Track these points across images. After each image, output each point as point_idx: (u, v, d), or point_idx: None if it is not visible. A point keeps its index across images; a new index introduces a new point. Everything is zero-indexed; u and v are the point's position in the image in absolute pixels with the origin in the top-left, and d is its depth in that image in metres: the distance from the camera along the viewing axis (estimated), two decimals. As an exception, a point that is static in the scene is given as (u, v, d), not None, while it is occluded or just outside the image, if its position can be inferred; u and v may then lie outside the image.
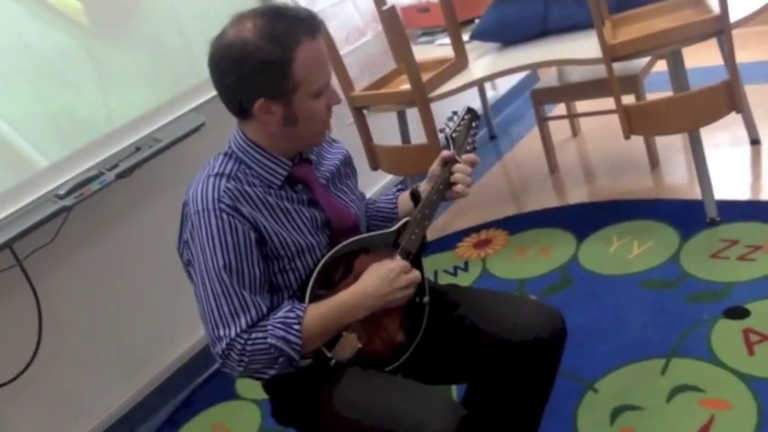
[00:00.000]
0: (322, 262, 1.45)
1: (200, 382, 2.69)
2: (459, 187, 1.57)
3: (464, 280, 2.78)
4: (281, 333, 1.35)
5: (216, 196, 1.38)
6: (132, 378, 2.55)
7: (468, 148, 1.66)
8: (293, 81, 1.36)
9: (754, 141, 3.01)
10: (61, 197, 2.08)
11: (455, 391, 2.13)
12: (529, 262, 2.76)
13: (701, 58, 3.39)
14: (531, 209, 3.15)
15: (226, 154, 1.47)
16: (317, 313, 1.40)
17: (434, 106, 2.71)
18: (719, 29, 2.29)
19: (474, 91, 3.82)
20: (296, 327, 1.36)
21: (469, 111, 1.71)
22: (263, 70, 1.34)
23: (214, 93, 1.46)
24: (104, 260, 2.47)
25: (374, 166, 3.02)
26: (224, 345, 1.35)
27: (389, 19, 2.62)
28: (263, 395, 1.59)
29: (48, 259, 2.24)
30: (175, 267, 1.55)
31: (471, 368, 1.58)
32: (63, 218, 2.16)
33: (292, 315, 1.38)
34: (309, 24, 1.37)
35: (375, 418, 1.35)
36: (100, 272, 2.46)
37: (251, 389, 2.50)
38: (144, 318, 2.58)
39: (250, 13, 1.37)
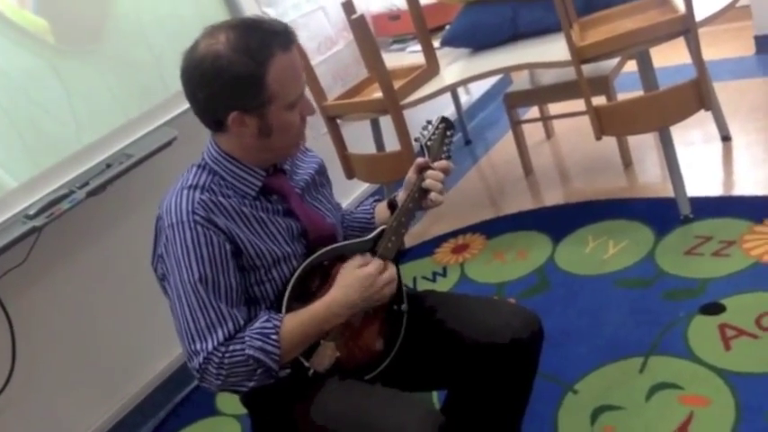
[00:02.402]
0: (298, 271, 1.45)
1: (179, 400, 2.66)
2: (433, 196, 1.56)
3: (443, 286, 2.78)
4: (259, 344, 1.34)
5: (190, 208, 1.37)
6: (111, 397, 2.52)
7: (444, 156, 1.66)
8: (267, 94, 1.35)
9: (725, 138, 3.04)
10: (31, 217, 2.06)
11: (436, 398, 2.13)
12: (506, 265, 2.76)
13: (670, 56, 3.43)
14: (507, 212, 3.16)
15: (199, 166, 1.46)
16: (295, 322, 1.39)
17: (407, 113, 2.71)
18: (685, 28, 2.32)
19: (447, 97, 3.84)
20: (274, 336, 1.35)
21: (444, 120, 1.72)
22: (236, 84, 1.34)
23: (185, 107, 1.45)
24: (78, 279, 2.44)
25: (349, 174, 3.02)
26: (201, 359, 1.34)
27: (359, 27, 2.62)
28: (243, 410, 1.58)
29: (20, 280, 2.21)
30: (151, 284, 1.53)
31: (451, 373, 1.58)
32: (34, 238, 2.13)
33: (269, 325, 1.37)
34: (283, 37, 1.37)
35: (354, 429, 1.34)
36: (74, 291, 2.42)
37: (231, 404, 2.48)
38: (121, 336, 2.55)
39: (223, 26, 1.36)
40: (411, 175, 1.61)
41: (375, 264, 1.45)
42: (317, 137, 3.09)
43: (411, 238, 3.20)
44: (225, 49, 1.33)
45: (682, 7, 2.31)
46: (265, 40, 1.34)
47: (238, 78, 1.33)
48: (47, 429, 2.35)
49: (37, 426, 2.32)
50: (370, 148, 3.11)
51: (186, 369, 2.46)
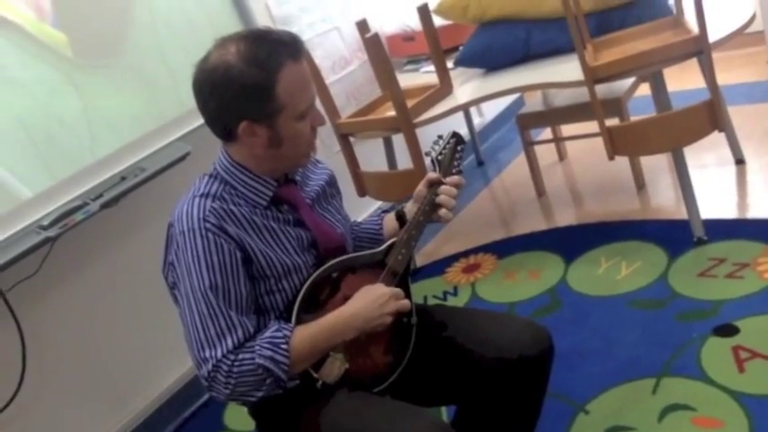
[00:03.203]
0: (309, 281, 1.45)
1: (187, 415, 2.64)
2: (443, 212, 1.57)
3: (453, 304, 2.76)
4: (269, 353, 1.34)
5: (201, 216, 1.37)
6: (119, 411, 2.51)
7: (454, 171, 1.67)
8: (277, 104, 1.37)
9: (739, 161, 3.03)
10: (45, 228, 2.07)
11: (445, 413, 2.11)
12: (518, 285, 2.75)
13: (684, 81, 3.43)
14: (519, 233, 3.15)
15: (211, 175, 1.47)
16: (306, 333, 1.38)
17: (420, 132, 2.72)
18: (699, 49, 2.32)
19: (460, 117, 3.85)
20: (283, 346, 1.35)
21: (454, 135, 1.72)
22: (246, 94, 1.35)
23: (199, 122, 1.46)
24: (90, 291, 2.44)
25: (361, 192, 3.02)
26: (210, 366, 1.33)
27: (373, 45, 2.64)
28: (251, 426, 1.57)
29: (32, 291, 2.22)
30: (162, 298, 1.53)
31: (460, 388, 1.56)
32: (47, 249, 2.14)
33: (280, 335, 1.36)
34: (292, 47, 1.38)
35: (363, 441, 1.33)
36: (85, 303, 2.43)
37: (239, 420, 2.46)
38: (130, 350, 2.54)
39: (233, 37, 1.38)
40: (421, 188, 1.62)
41: (393, 288, 1.45)
42: (330, 155, 3.10)
43: (422, 258, 3.19)
44: (235, 59, 1.34)
45: (695, 28, 2.32)
46: (275, 51, 1.36)
47: (248, 88, 1.34)
48: (54, 442, 2.35)
49: (44, 438, 2.32)
50: (383, 167, 3.12)
51: (195, 385, 2.46)
